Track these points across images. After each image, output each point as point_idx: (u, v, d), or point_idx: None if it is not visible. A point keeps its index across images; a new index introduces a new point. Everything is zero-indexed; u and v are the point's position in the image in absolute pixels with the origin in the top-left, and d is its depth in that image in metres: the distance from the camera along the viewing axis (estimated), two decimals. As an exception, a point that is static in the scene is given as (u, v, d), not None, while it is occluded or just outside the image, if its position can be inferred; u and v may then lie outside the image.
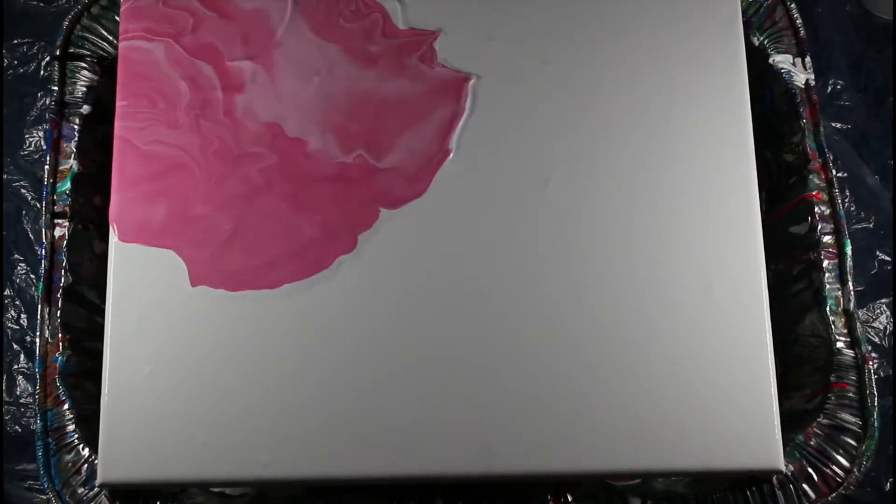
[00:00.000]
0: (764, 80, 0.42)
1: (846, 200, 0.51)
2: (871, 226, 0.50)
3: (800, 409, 0.39)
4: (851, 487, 0.36)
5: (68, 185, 0.40)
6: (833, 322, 0.39)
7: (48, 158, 0.40)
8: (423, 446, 0.34)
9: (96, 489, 0.37)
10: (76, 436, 0.38)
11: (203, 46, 0.39)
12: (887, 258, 0.50)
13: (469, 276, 0.36)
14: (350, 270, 0.36)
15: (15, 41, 0.53)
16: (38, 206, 0.50)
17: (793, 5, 0.42)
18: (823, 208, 0.40)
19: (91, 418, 0.37)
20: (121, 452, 0.34)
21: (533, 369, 0.35)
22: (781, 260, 0.41)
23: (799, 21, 0.42)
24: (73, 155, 0.41)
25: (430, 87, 0.38)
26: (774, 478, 0.37)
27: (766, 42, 0.42)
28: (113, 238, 0.37)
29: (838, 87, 0.52)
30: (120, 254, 0.36)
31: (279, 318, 0.36)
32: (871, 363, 0.38)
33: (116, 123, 0.38)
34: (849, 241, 0.39)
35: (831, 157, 0.41)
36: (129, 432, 0.34)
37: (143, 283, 0.36)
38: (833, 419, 0.37)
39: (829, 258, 0.39)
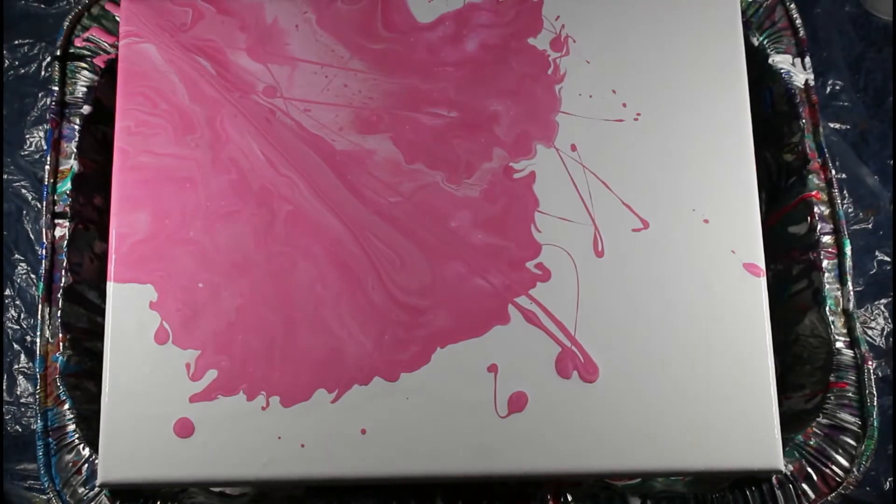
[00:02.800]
0: (763, 81, 0.42)
1: (845, 201, 0.51)
2: (870, 226, 0.50)
3: (799, 408, 0.39)
4: (851, 487, 0.36)
5: (69, 185, 0.40)
6: (832, 322, 0.39)
7: (49, 158, 0.40)
8: (423, 446, 0.34)
9: (96, 489, 0.37)
10: (76, 436, 0.38)
11: (205, 42, 0.39)
12: (886, 258, 0.50)
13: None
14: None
15: (16, 42, 0.53)
16: (39, 206, 0.50)
17: (792, 5, 0.42)
18: (823, 208, 0.40)
19: (91, 418, 0.37)
20: (121, 452, 0.34)
21: (533, 369, 0.35)
22: (781, 260, 0.41)
23: (798, 21, 0.42)
24: (73, 155, 0.41)
25: None
26: (774, 477, 0.37)
27: (765, 42, 0.42)
28: (112, 245, 0.36)
29: (837, 87, 0.52)
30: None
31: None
32: (870, 363, 0.38)
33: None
34: (848, 241, 0.39)
35: (830, 158, 0.41)
36: (129, 432, 0.35)
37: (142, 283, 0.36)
38: (832, 419, 0.38)
39: (828, 258, 0.39)
